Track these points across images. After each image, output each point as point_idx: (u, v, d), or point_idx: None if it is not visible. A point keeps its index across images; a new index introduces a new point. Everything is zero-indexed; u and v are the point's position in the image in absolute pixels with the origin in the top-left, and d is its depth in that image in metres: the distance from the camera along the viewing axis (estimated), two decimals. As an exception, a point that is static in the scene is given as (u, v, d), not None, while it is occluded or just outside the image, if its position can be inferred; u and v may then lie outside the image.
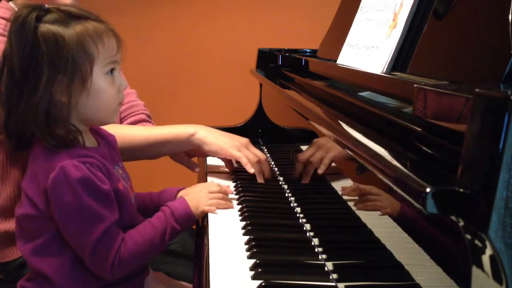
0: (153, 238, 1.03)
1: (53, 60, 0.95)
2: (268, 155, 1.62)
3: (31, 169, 1.01)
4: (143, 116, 1.64)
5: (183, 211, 1.08)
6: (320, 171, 1.11)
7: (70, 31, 0.96)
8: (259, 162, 1.32)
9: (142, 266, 1.11)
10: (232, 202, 1.20)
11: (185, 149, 1.41)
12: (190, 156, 1.47)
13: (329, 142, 1.08)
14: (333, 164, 1.10)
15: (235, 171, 1.42)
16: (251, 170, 1.30)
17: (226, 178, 1.40)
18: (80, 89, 0.97)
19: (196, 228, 1.19)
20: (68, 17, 0.97)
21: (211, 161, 1.52)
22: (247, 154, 1.31)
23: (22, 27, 0.95)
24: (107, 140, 1.11)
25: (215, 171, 1.46)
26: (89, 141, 1.04)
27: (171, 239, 1.06)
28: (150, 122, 1.66)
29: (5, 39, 1.00)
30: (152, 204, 1.19)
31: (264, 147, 1.71)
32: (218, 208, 1.15)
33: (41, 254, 1.00)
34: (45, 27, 0.95)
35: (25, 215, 1.01)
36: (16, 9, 1.33)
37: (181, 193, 1.20)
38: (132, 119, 1.62)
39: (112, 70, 1.01)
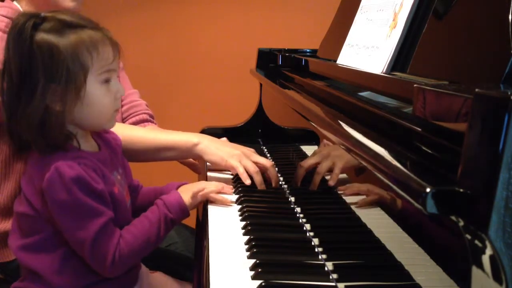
0: (149, 229, 1.04)
1: (48, 70, 0.95)
2: (268, 155, 1.62)
3: (28, 169, 1.03)
4: (145, 116, 1.64)
5: (175, 200, 1.09)
6: (332, 182, 1.08)
7: (64, 41, 0.96)
8: (259, 172, 1.27)
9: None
10: (231, 189, 1.22)
11: (186, 158, 1.41)
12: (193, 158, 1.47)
13: (334, 150, 1.07)
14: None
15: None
16: (246, 181, 1.26)
17: (226, 178, 1.40)
18: (74, 98, 0.97)
19: (196, 227, 1.19)
20: (64, 26, 0.97)
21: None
22: (246, 164, 1.28)
23: (20, 35, 0.96)
24: (110, 145, 1.12)
25: (215, 169, 1.46)
26: (89, 144, 1.05)
27: (167, 229, 1.07)
28: (152, 122, 1.65)
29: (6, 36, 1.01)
30: (156, 198, 1.19)
31: (264, 147, 1.71)
32: (210, 194, 1.18)
33: (31, 250, 1.01)
34: (40, 36, 0.96)
35: (23, 213, 1.02)
36: (20, 8, 1.34)
37: (181, 188, 1.21)
38: (134, 119, 1.62)
39: (107, 79, 1.01)
